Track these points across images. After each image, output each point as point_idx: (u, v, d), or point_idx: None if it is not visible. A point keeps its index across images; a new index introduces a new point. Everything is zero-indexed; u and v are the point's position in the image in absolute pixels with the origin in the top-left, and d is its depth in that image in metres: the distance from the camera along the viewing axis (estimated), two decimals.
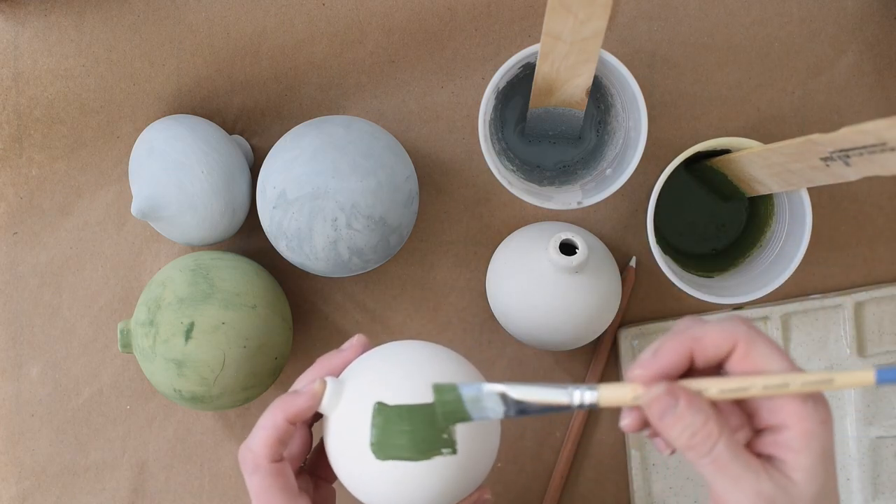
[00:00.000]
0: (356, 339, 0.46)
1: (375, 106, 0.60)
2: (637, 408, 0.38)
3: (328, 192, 0.51)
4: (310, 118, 0.59)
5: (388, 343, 0.46)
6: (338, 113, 0.60)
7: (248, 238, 0.61)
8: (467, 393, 0.41)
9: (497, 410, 0.40)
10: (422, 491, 0.41)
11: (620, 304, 0.59)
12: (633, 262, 0.60)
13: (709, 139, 0.54)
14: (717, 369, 0.38)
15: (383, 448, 0.41)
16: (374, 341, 0.61)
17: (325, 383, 0.43)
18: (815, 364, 0.60)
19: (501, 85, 0.53)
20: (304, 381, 0.45)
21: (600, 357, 0.60)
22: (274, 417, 0.43)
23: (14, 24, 0.59)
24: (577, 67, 0.50)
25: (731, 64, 0.60)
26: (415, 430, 0.41)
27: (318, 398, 0.42)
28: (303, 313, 0.61)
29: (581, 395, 0.38)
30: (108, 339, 0.61)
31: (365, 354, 0.46)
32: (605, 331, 0.60)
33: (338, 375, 0.45)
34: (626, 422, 0.38)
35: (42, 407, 0.61)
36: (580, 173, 0.57)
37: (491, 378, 0.61)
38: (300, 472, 0.47)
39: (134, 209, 0.53)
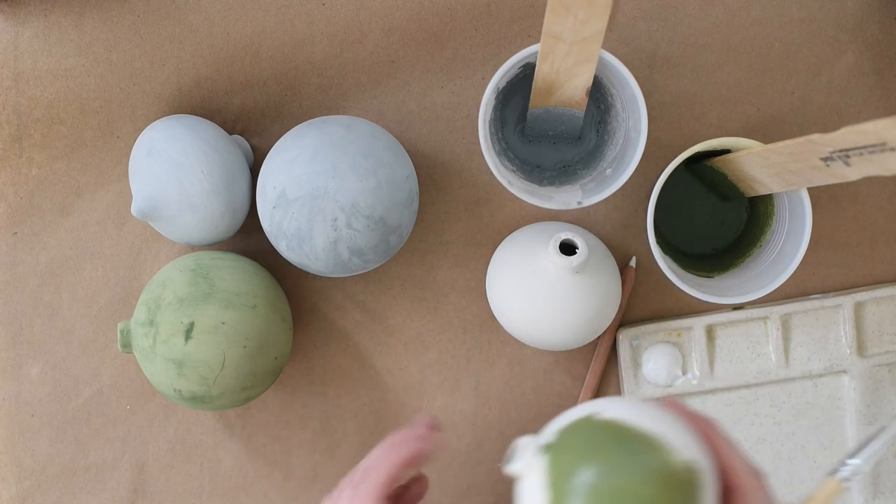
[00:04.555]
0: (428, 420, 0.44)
1: (375, 106, 0.60)
2: None
3: (328, 192, 0.51)
4: (310, 118, 0.59)
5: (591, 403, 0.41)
6: (338, 113, 0.60)
7: (248, 238, 0.61)
8: None
9: None
10: None
11: (620, 304, 0.59)
12: (633, 262, 0.60)
13: (709, 139, 0.54)
14: None
15: None
16: (373, 341, 0.61)
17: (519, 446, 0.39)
18: (815, 364, 0.60)
19: (501, 85, 0.53)
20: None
21: (600, 357, 0.60)
22: (391, 467, 0.41)
23: (14, 24, 0.59)
24: (577, 67, 0.50)
25: (731, 64, 0.60)
26: None
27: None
28: (303, 313, 0.61)
29: None
30: (108, 339, 0.61)
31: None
32: (605, 331, 0.60)
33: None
34: None
35: (42, 407, 0.61)
36: (580, 173, 0.57)
37: (489, 377, 0.61)
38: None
39: (134, 209, 0.53)
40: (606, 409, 0.38)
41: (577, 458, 0.36)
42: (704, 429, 0.39)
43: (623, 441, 0.36)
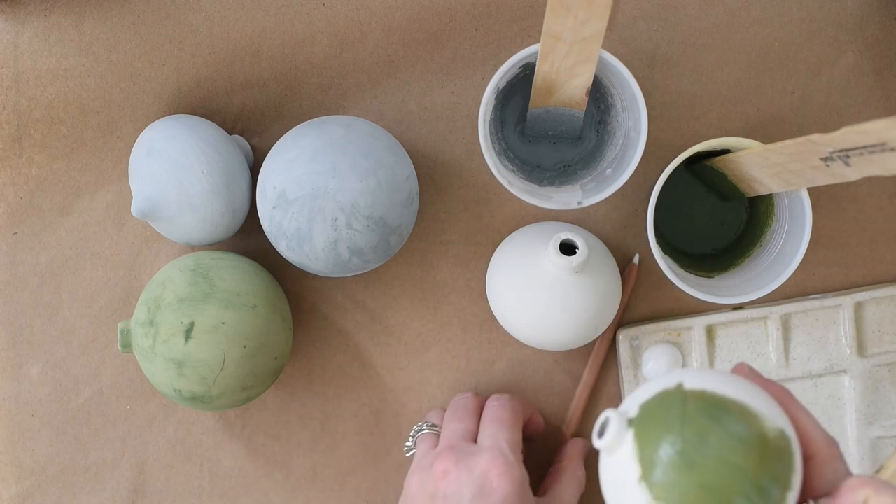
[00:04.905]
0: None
1: (375, 106, 0.60)
2: None
3: (328, 192, 0.51)
4: (310, 118, 0.59)
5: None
6: (338, 113, 0.60)
7: (248, 238, 0.61)
8: None
9: None
10: None
11: (622, 302, 0.59)
12: (636, 260, 0.60)
13: (709, 139, 0.54)
14: None
15: None
16: (373, 341, 0.61)
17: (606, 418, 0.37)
18: (815, 364, 0.60)
19: (501, 85, 0.53)
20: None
21: (598, 354, 0.60)
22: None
23: (14, 24, 0.59)
24: (577, 67, 0.50)
25: (731, 64, 0.60)
26: None
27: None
28: (303, 313, 0.61)
29: None
30: (108, 339, 0.61)
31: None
32: (605, 330, 0.60)
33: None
34: None
35: (42, 407, 0.61)
36: (580, 173, 0.57)
37: (489, 377, 0.61)
38: None
39: (134, 209, 0.53)
40: (688, 379, 0.37)
41: (666, 431, 0.35)
42: (781, 396, 0.39)
43: (714, 411, 0.35)
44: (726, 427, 0.35)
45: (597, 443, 0.37)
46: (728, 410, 0.35)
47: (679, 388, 0.37)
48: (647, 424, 0.36)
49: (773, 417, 0.36)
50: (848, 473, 0.37)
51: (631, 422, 0.37)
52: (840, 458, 0.38)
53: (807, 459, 0.38)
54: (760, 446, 0.35)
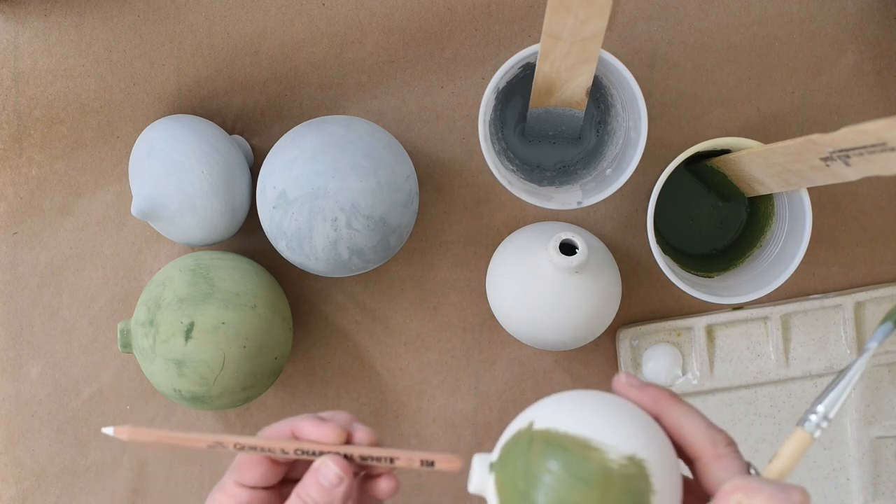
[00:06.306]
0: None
1: (375, 106, 0.60)
2: None
3: (328, 192, 0.51)
4: (310, 118, 0.59)
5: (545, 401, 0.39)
6: (338, 113, 0.60)
7: (248, 238, 0.61)
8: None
9: None
10: None
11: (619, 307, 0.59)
12: None
13: (709, 139, 0.54)
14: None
15: None
16: (373, 341, 0.61)
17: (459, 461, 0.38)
18: (815, 364, 0.60)
19: (501, 85, 0.53)
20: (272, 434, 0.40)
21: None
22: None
23: (14, 24, 0.59)
24: (577, 67, 0.50)
25: (731, 64, 0.60)
26: None
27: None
28: (303, 313, 0.61)
29: None
30: (108, 339, 0.61)
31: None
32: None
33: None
34: None
35: (42, 407, 0.61)
36: (580, 173, 0.57)
37: (489, 377, 0.61)
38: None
39: (134, 209, 0.53)
40: (540, 417, 0.37)
41: (514, 475, 0.36)
42: (658, 404, 0.38)
43: (554, 451, 0.35)
44: (566, 468, 0.35)
45: (469, 488, 0.38)
46: (568, 449, 0.35)
47: (529, 427, 0.37)
48: (503, 468, 0.36)
49: (622, 443, 0.35)
50: (740, 470, 0.37)
51: (492, 466, 0.37)
52: (729, 454, 0.37)
53: (694, 461, 0.38)
54: (603, 482, 0.34)
